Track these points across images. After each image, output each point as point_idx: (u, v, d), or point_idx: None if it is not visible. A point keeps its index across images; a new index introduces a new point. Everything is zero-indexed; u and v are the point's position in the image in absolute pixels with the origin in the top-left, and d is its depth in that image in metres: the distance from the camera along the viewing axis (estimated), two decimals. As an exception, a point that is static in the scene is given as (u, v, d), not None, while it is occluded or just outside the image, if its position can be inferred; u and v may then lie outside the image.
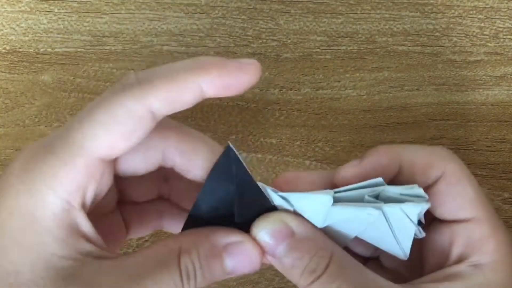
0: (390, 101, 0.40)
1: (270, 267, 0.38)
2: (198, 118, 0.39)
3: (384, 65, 0.41)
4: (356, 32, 0.41)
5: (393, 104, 0.40)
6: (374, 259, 0.33)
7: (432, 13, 0.41)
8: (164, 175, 0.30)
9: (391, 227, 0.28)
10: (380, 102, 0.40)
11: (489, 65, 0.41)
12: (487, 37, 0.41)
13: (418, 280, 0.28)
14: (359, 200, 0.28)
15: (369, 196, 0.28)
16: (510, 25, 0.41)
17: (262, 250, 0.27)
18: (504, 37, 0.41)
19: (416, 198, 0.27)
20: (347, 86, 0.40)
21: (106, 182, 0.26)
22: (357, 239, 0.29)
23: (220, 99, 0.40)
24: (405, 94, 0.41)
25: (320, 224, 0.27)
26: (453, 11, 0.41)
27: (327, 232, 0.28)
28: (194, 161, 0.27)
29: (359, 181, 0.28)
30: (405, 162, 0.29)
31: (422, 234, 0.29)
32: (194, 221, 0.27)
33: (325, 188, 0.28)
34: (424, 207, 0.27)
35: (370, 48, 0.41)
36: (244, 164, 0.27)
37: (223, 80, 0.25)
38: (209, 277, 0.26)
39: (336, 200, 0.27)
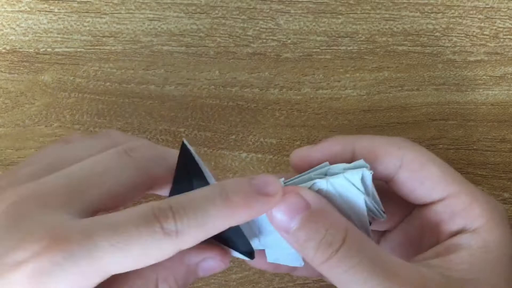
0: (390, 101, 0.40)
1: (270, 267, 0.39)
2: (198, 118, 0.39)
3: (384, 65, 0.41)
4: (356, 32, 0.41)
5: (393, 104, 0.40)
6: None
7: (432, 13, 0.41)
8: None
9: (344, 200, 0.28)
10: (380, 102, 0.40)
11: (489, 65, 0.41)
12: (487, 37, 0.41)
13: (421, 256, 0.28)
14: (307, 181, 0.28)
15: (315, 175, 0.28)
16: (510, 25, 0.41)
17: (227, 254, 0.28)
18: (504, 37, 0.41)
19: (358, 168, 0.28)
20: (347, 86, 0.40)
21: None
22: None
23: (219, 98, 0.40)
24: (405, 94, 0.41)
25: None
26: (453, 11, 0.41)
27: None
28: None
29: (309, 166, 0.29)
30: (359, 151, 0.29)
31: (383, 217, 0.29)
32: None
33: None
34: (366, 172, 0.27)
35: (370, 48, 0.41)
36: (197, 158, 0.27)
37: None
38: (185, 286, 0.27)
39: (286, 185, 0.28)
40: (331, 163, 0.29)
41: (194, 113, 0.39)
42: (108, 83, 0.39)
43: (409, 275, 0.25)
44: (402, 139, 0.30)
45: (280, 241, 0.28)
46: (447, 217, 0.29)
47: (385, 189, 0.30)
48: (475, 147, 0.41)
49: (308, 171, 0.29)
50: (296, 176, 0.29)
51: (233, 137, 0.39)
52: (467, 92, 0.41)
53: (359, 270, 0.25)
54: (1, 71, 0.39)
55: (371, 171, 0.28)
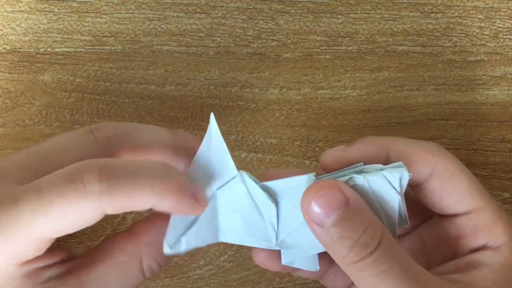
0: (390, 101, 0.40)
1: (270, 267, 0.39)
2: (198, 118, 0.39)
3: (384, 65, 0.41)
4: (356, 32, 0.41)
5: (393, 104, 0.40)
6: None
7: (432, 13, 0.41)
8: None
9: (377, 199, 0.27)
10: (380, 102, 0.40)
11: (489, 65, 0.41)
12: (487, 37, 0.41)
13: (440, 268, 0.28)
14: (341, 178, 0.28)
15: (349, 173, 0.28)
16: (510, 25, 0.41)
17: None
18: (504, 37, 0.41)
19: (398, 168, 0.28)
20: (347, 86, 0.40)
21: (52, 241, 0.26)
22: None
23: (219, 98, 0.40)
24: (405, 94, 0.41)
25: None
26: (453, 11, 0.41)
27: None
28: (132, 208, 0.27)
29: (341, 167, 0.28)
30: (394, 154, 0.29)
31: (407, 224, 0.29)
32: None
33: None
34: (404, 173, 0.27)
35: (370, 48, 0.41)
36: (221, 138, 0.27)
37: (173, 207, 0.26)
38: (171, 260, 0.27)
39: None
40: (365, 165, 0.28)
41: (194, 113, 0.39)
42: (108, 83, 0.39)
43: (437, 287, 0.25)
44: (436, 145, 0.30)
45: (300, 243, 0.27)
46: (470, 232, 0.29)
47: (406, 193, 0.29)
48: (475, 147, 0.41)
49: (341, 170, 0.28)
50: (328, 174, 0.28)
51: (233, 137, 0.39)
52: (467, 92, 0.41)
53: (389, 276, 0.25)
54: (1, 71, 0.39)
55: (409, 174, 0.27)
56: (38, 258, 0.25)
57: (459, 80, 0.41)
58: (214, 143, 0.27)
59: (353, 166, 0.29)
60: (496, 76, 0.41)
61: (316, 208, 0.25)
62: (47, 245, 0.25)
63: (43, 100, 0.39)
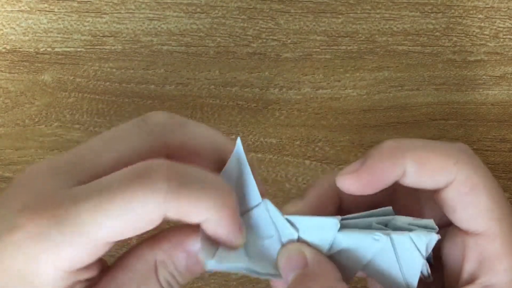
0: (390, 101, 0.40)
1: (270, 267, 0.38)
2: (198, 118, 0.39)
3: (384, 65, 0.41)
4: (356, 31, 0.41)
5: (393, 104, 0.40)
6: None
7: (432, 13, 0.41)
8: None
9: (398, 259, 0.26)
10: (380, 102, 0.40)
11: (489, 65, 0.41)
12: (487, 37, 0.41)
13: None
14: (366, 227, 0.27)
15: (377, 223, 0.27)
16: (510, 25, 0.41)
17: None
18: (504, 37, 0.41)
19: (425, 229, 0.26)
20: (347, 86, 0.40)
21: (108, 249, 0.25)
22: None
23: (219, 98, 0.40)
24: (405, 94, 0.41)
25: (325, 250, 0.26)
26: (453, 11, 0.41)
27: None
28: (188, 219, 0.26)
29: (361, 188, 0.27)
30: (411, 164, 0.26)
31: (430, 278, 0.27)
32: None
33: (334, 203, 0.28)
34: (433, 237, 0.25)
35: (370, 48, 0.41)
36: (247, 163, 0.26)
37: (220, 234, 0.25)
38: (190, 277, 0.26)
39: (343, 226, 0.26)
40: (382, 183, 0.27)
41: (194, 112, 0.39)
42: (108, 83, 0.39)
43: None
44: (461, 148, 0.27)
45: None
46: (474, 257, 0.27)
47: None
48: (475, 147, 0.41)
49: (368, 212, 0.27)
50: (353, 215, 0.27)
51: (233, 137, 0.39)
52: (467, 92, 0.41)
53: None
54: (1, 70, 0.39)
55: (438, 236, 0.26)
56: (85, 268, 0.24)
57: (459, 80, 0.41)
58: (239, 168, 0.26)
59: (382, 210, 0.27)
60: (496, 76, 0.41)
61: (281, 270, 0.26)
62: (103, 251, 0.24)
63: (43, 100, 0.39)
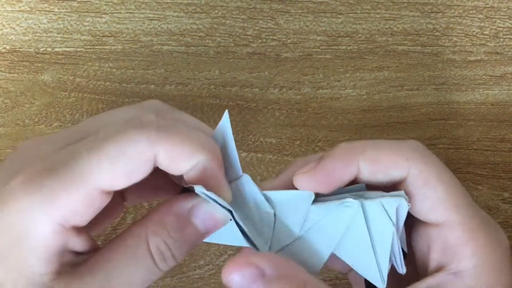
0: (390, 101, 0.40)
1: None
2: (198, 117, 0.39)
3: (384, 65, 0.41)
4: (356, 31, 0.41)
5: (393, 104, 0.40)
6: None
7: (432, 12, 0.41)
8: None
9: (369, 230, 0.26)
10: (380, 102, 0.40)
11: (489, 65, 0.41)
12: (487, 37, 0.41)
13: None
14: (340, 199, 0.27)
15: (350, 195, 0.27)
16: (510, 25, 0.41)
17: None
18: (504, 36, 0.41)
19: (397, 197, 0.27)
20: (347, 86, 0.40)
21: (103, 205, 0.26)
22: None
23: (219, 98, 0.40)
24: (405, 94, 0.41)
25: (299, 227, 0.27)
26: (453, 10, 0.41)
27: (305, 251, 0.27)
28: (178, 164, 0.27)
29: (316, 186, 0.27)
30: (365, 163, 0.27)
31: (403, 269, 0.27)
32: None
33: None
34: (403, 203, 0.26)
35: (370, 47, 0.41)
36: (231, 136, 0.27)
37: (209, 182, 0.25)
38: (186, 245, 0.25)
39: (316, 201, 0.27)
40: (336, 183, 0.27)
41: (194, 112, 0.39)
42: (108, 83, 0.39)
43: None
44: (412, 146, 0.28)
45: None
46: (438, 247, 0.27)
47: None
48: (475, 147, 0.41)
49: (342, 189, 0.28)
50: (328, 195, 0.28)
51: (233, 136, 0.39)
52: (467, 92, 0.41)
53: None
54: (1, 70, 0.39)
55: (409, 204, 0.26)
56: (78, 232, 0.25)
57: (459, 80, 0.41)
58: (223, 141, 0.27)
59: (355, 186, 0.28)
60: (496, 76, 0.41)
61: (236, 284, 0.25)
62: (97, 205, 0.24)
63: (43, 99, 0.39)
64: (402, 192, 0.26)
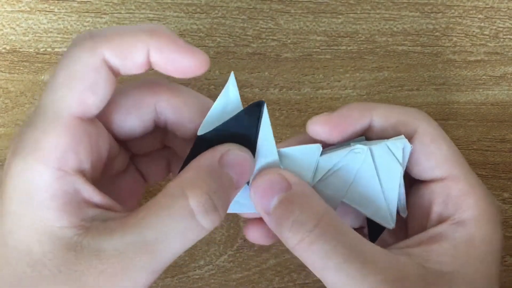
0: (390, 101, 0.40)
1: (270, 267, 0.39)
2: (198, 118, 0.39)
3: (384, 65, 0.41)
4: (356, 32, 0.41)
5: (393, 104, 0.40)
6: (360, 228, 0.33)
7: (432, 13, 0.41)
8: (164, 128, 0.30)
9: (378, 173, 0.28)
10: (380, 102, 0.40)
11: (489, 65, 0.41)
12: (487, 37, 0.41)
13: (403, 243, 0.28)
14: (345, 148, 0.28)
15: (353, 143, 0.29)
16: (510, 25, 0.41)
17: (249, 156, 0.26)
18: (504, 37, 0.41)
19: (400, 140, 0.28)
20: (347, 86, 0.40)
21: (101, 143, 0.26)
22: (344, 208, 0.29)
23: (220, 99, 0.40)
24: (405, 94, 0.41)
25: (310, 179, 0.28)
26: (453, 11, 0.41)
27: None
28: (184, 114, 0.28)
29: (329, 132, 0.29)
30: (377, 118, 0.29)
31: (405, 212, 0.29)
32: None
33: None
34: (407, 145, 0.28)
35: (370, 48, 0.41)
36: (239, 98, 0.27)
37: (170, 51, 0.25)
38: (225, 195, 0.25)
39: (324, 153, 0.28)
40: (350, 130, 0.29)
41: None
42: (108, 83, 0.39)
43: (386, 264, 0.25)
44: (419, 110, 0.30)
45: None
46: (441, 200, 0.28)
47: None
48: (475, 147, 0.41)
49: (345, 143, 0.29)
50: (332, 147, 0.29)
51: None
52: (467, 92, 0.41)
53: (334, 256, 0.24)
54: (1, 71, 0.39)
55: (411, 146, 0.28)
56: (90, 195, 0.24)
57: (459, 80, 0.41)
58: (230, 103, 0.27)
59: (356, 139, 0.29)
60: (496, 76, 0.41)
61: (258, 195, 0.26)
62: (84, 135, 0.25)
63: (43, 100, 0.39)
64: (402, 136, 0.28)
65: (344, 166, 0.28)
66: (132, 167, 0.31)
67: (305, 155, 0.28)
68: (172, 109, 0.28)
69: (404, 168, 0.28)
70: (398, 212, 0.29)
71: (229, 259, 0.39)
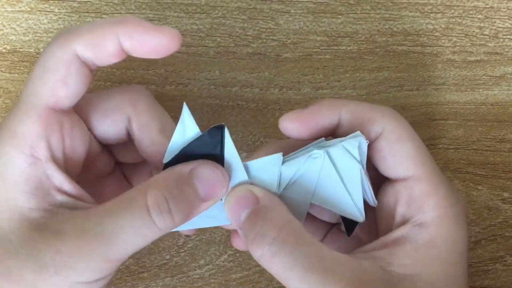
0: (390, 101, 0.41)
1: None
2: (198, 118, 0.39)
3: (384, 65, 0.41)
4: (356, 32, 0.41)
5: (393, 104, 0.41)
6: (339, 224, 0.33)
7: (432, 13, 0.41)
8: None
9: (339, 173, 0.28)
10: (380, 102, 0.40)
11: (489, 65, 0.41)
12: (487, 37, 0.41)
13: (370, 245, 0.28)
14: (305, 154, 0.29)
15: (313, 146, 0.29)
16: (510, 25, 0.41)
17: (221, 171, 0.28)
18: (504, 37, 0.41)
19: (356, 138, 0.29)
20: (347, 86, 0.40)
21: (77, 135, 0.28)
22: (319, 208, 0.30)
23: (219, 98, 0.40)
24: (405, 94, 0.41)
25: (276, 188, 0.28)
26: (453, 11, 0.41)
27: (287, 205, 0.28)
28: (145, 134, 0.30)
29: (299, 128, 0.30)
30: (346, 115, 0.30)
31: (374, 202, 0.29)
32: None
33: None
34: (362, 141, 0.28)
35: (370, 48, 0.41)
36: (195, 126, 0.28)
37: (139, 35, 0.26)
38: (184, 204, 0.26)
39: (285, 161, 0.29)
40: (319, 127, 0.30)
41: (194, 113, 0.39)
42: (108, 83, 0.39)
43: (347, 271, 0.25)
44: (389, 108, 0.30)
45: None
46: (404, 200, 0.29)
47: None
48: (475, 147, 0.41)
49: (305, 147, 0.30)
50: (294, 152, 0.30)
51: (233, 137, 0.39)
52: (467, 92, 0.41)
53: (295, 267, 0.25)
54: (2, 71, 0.39)
55: (367, 141, 0.28)
56: (61, 183, 0.26)
57: (459, 80, 0.41)
58: (188, 132, 0.28)
59: (315, 142, 0.30)
60: (496, 76, 0.41)
61: (232, 211, 0.27)
62: (58, 125, 0.26)
63: (44, 100, 0.39)
64: (358, 132, 0.29)
65: (305, 172, 0.29)
66: (118, 171, 0.33)
67: (268, 165, 0.29)
68: (137, 125, 0.30)
69: (365, 163, 0.29)
70: (368, 204, 0.30)
71: (229, 258, 0.39)
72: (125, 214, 0.25)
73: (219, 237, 0.39)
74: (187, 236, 0.38)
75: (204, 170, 0.27)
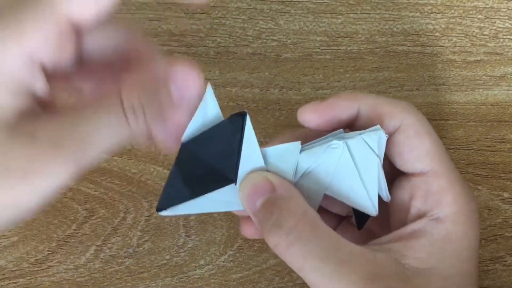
0: (390, 101, 0.41)
1: (270, 267, 0.39)
2: (198, 118, 0.39)
3: (384, 65, 0.41)
4: (356, 32, 0.41)
5: (393, 104, 0.41)
6: (349, 217, 0.33)
7: (432, 13, 0.41)
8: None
9: (356, 165, 0.28)
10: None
11: (488, 65, 0.41)
12: (487, 37, 0.41)
13: (385, 237, 0.28)
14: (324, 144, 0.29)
15: (332, 137, 0.29)
16: (510, 25, 0.41)
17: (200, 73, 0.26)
18: (504, 37, 0.41)
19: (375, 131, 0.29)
20: (347, 86, 0.40)
21: (69, 52, 0.26)
22: (331, 199, 0.30)
23: (219, 99, 0.39)
24: (405, 94, 0.41)
25: (292, 176, 0.28)
26: (453, 11, 0.41)
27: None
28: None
29: (317, 119, 0.30)
30: (364, 107, 0.30)
31: (388, 197, 0.30)
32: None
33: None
34: (382, 135, 0.28)
35: (370, 48, 0.41)
36: (217, 107, 0.28)
37: None
38: (158, 106, 0.25)
39: (303, 150, 0.29)
40: (338, 119, 0.30)
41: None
42: (108, 83, 0.39)
43: (362, 262, 0.26)
44: (407, 103, 0.30)
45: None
46: (421, 195, 0.29)
47: None
48: (475, 147, 0.41)
49: (324, 137, 0.30)
50: (312, 142, 0.30)
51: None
52: (467, 92, 0.41)
53: (310, 257, 0.25)
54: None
55: (386, 135, 0.28)
56: (42, 90, 0.25)
57: (459, 80, 0.41)
58: (210, 113, 0.28)
59: (334, 133, 0.30)
60: (496, 76, 0.41)
61: (247, 198, 0.27)
62: (67, 40, 0.25)
63: (44, 100, 0.39)
64: (378, 126, 0.29)
65: (323, 161, 0.29)
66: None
67: (286, 152, 0.29)
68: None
69: (382, 157, 0.29)
70: (381, 199, 0.30)
71: (229, 259, 0.39)
72: (100, 115, 0.24)
73: (219, 237, 0.39)
74: (187, 236, 0.38)
75: (181, 73, 0.26)
